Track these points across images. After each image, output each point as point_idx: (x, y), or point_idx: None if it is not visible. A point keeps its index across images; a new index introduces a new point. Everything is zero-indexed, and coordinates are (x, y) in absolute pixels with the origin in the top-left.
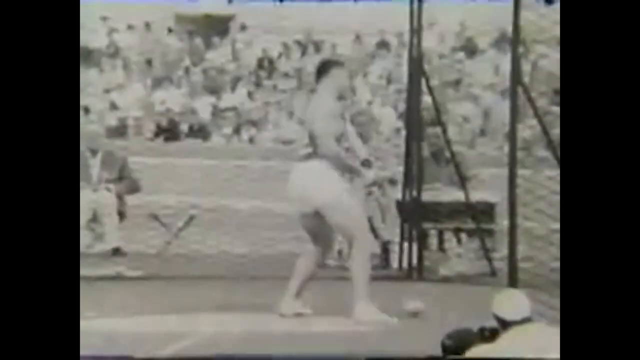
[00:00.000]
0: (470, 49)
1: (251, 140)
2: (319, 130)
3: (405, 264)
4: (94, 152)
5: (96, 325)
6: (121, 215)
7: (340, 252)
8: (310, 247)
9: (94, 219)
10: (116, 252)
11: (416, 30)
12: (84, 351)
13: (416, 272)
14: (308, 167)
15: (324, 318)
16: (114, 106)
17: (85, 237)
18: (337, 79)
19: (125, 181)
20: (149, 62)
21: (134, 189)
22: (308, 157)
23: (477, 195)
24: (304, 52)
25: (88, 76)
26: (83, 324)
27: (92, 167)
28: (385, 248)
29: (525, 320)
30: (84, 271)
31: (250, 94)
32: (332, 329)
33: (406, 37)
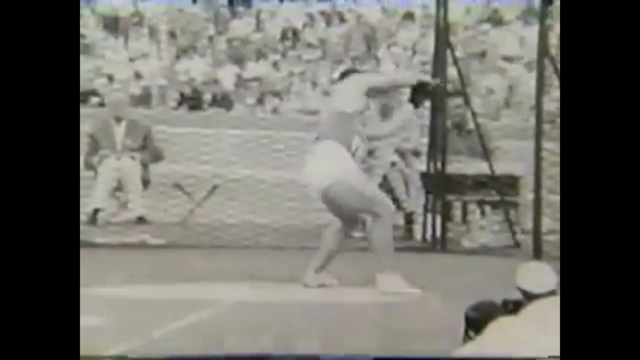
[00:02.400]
0: (496, 21)
1: (275, 110)
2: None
3: (428, 235)
4: (118, 120)
5: (120, 291)
6: (145, 183)
7: (364, 223)
8: (336, 220)
9: (119, 187)
10: (140, 220)
11: (442, 1)
12: (109, 316)
13: (440, 244)
14: (317, 148)
15: (348, 289)
16: (138, 75)
17: (110, 205)
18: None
19: (148, 149)
20: (173, 32)
21: (158, 157)
22: (317, 139)
23: (502, 168)
24: (328, 23)
25: (113, 45)
26: (108, 290)
27: (116, 135)
28: (409, 219)
29: (551, 293)
30: (108, 239)
31: (274, 64)
32: (355, 300)
33: (432, 9)
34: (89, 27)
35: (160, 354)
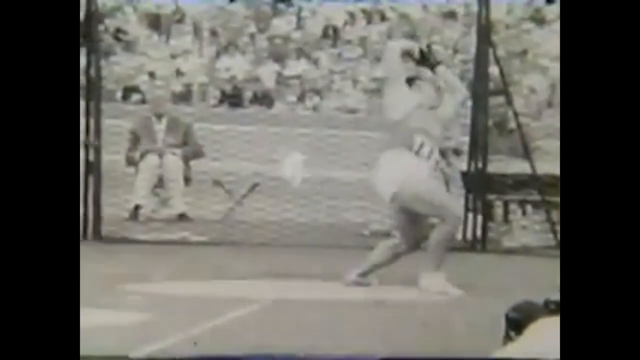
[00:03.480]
0: (538, 20)
1: (315, 108)
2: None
3: (469, 235)
4: (159, 117)
5: (161, 288)
6: (186, 181)
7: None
8: (396, 235)
9: (159, 184)
10: (181, 217)
11: (484, 0)
12: (150, 314)
13: (480, 244)
14: (384, 156)
15: (389, 287)
16: (179, 72)
17: (151, 202)
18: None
19: (189, 146)
20: (214, 29)
21: (198, 154)
22: (389, 145)
23: (543, 168)
24: (369, 21)
25: (155, 42)
26: (149, 286)
27: (157, 132)
28: None
29: None
30: (150, 235)
31: (315, 62)
32: (395, 298)
33: (473, 7)
34: (132, 25)
35: (201, 353)
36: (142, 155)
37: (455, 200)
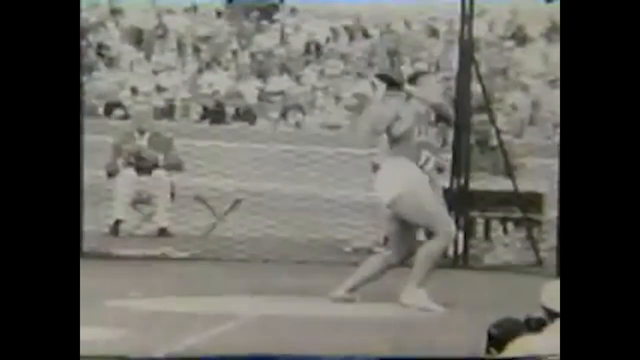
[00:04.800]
0: (520, 38)
1: (298, 124)
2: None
3: (451, 252)
4: (141, 133)
5: (142, 305)
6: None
7: (386, 240)
8: (386, 250)
9: (142, 199)
10: (163, 232)
11: (467, 18)
12: (129, 330)
13: (462, 260)
14: (387, 164)
15: (371, 304)
16: (161, 88)
17: (132, 217)
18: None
19: (168, 159)
20: (197, 45)
21: (177, 167)
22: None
23: (526, 185)
24: (352, 38)
25: (137, 57)
26: (128, 302)
27: (139, 146)
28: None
29: None
30: (131, 251)
31: (297, 78)
32: (377, 315)
33: (456, 25)
34: (114, 40)
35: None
36: (120, 170)
37: (450, 218)
